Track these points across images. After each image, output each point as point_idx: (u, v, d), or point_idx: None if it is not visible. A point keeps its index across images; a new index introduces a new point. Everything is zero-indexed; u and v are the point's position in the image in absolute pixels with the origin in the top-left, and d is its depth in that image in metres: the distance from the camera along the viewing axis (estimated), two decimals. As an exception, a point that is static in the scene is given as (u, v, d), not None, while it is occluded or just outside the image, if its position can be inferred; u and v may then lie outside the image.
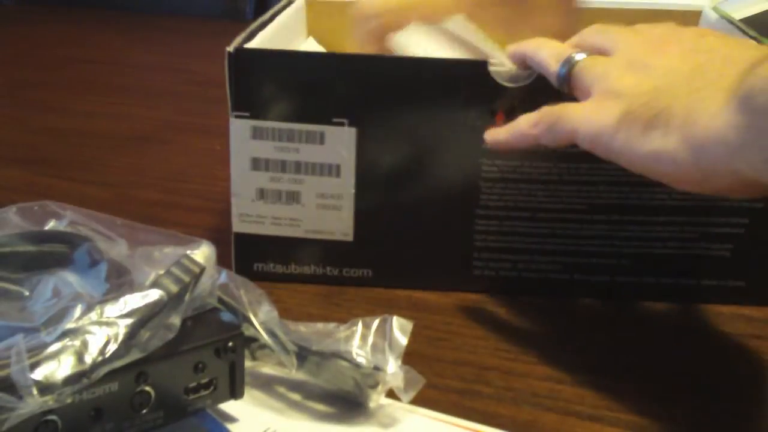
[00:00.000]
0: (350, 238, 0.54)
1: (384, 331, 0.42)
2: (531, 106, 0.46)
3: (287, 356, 0.41)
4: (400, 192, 0.53)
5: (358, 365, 0.41)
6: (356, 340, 0.41)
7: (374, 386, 0.41)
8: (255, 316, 0.41)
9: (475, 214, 0.53)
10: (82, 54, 1.25)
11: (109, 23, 1.45)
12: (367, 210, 0.53)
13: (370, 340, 0.42)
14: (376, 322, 0.42)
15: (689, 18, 0.67)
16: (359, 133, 0.52)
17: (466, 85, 0.50)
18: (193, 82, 1.07)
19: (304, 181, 0.53)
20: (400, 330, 0.42)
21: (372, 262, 0.55)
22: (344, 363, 0.41)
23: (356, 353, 0.41)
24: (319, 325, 0.43)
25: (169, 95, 1.03)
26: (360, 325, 0.42)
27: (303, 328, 0.42)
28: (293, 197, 0.53)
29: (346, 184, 0.53)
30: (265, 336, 0.41)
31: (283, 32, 0.62)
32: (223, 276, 0.41)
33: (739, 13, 0.77)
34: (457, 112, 0.51)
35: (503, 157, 0.51)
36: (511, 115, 0.48)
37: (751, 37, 0.56)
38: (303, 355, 0.41)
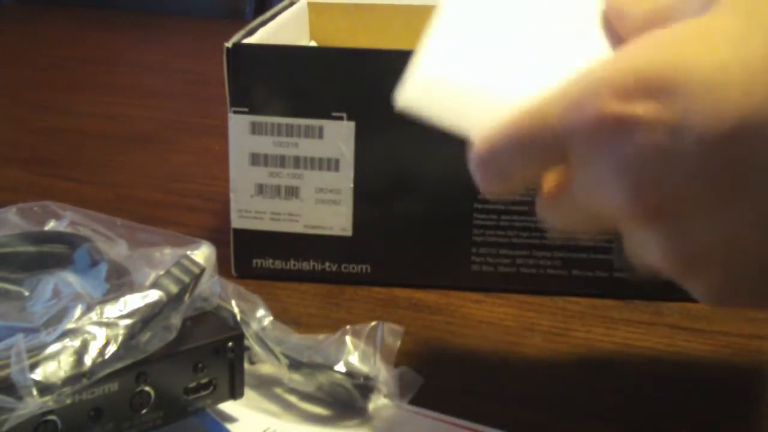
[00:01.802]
0: (349, 233, 0.54)
1: (375, 338, 0.42)
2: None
3: (280, 367, 0.41)
4: (399, 186, 0.53)
5: (348, 375, 0.41)
6: (347, 350, 0.41)
7: (367, 394, 0.41)
8: (247, 326, 0.41)
9: (474, 208, 0.53)
10: (82, 54, 1.25)
11: (109, 23, 1.45)
12: (365, 204, 0.53)
13: (361, 348, 0.42)
14: (366, 330, 0.42)
15: None
16: (358, 126, 0.52)
17: None
18: (193, 82, 1.07)
19: (303, 175, 0.53)
20: (391, 335, 0.42)
21: (370, 257, 0.55)
22: (335, 374, 0.41)
23: (346, 363, 0.41)
24: (309, 336, 0.42)
25: (169, 95, 1.03)
26: (350, 334, 0.42)
27: (294, 338, 0.42)
28: (292, 192, 0.53)
29: (345, 179, 0.53)
30: (256, 348, 0.41)
31: (284, 32, 0.62)
32: (216, 285, 0.41)
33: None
34: None
35: None
36: None
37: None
38: (295, 366, 0.41)
